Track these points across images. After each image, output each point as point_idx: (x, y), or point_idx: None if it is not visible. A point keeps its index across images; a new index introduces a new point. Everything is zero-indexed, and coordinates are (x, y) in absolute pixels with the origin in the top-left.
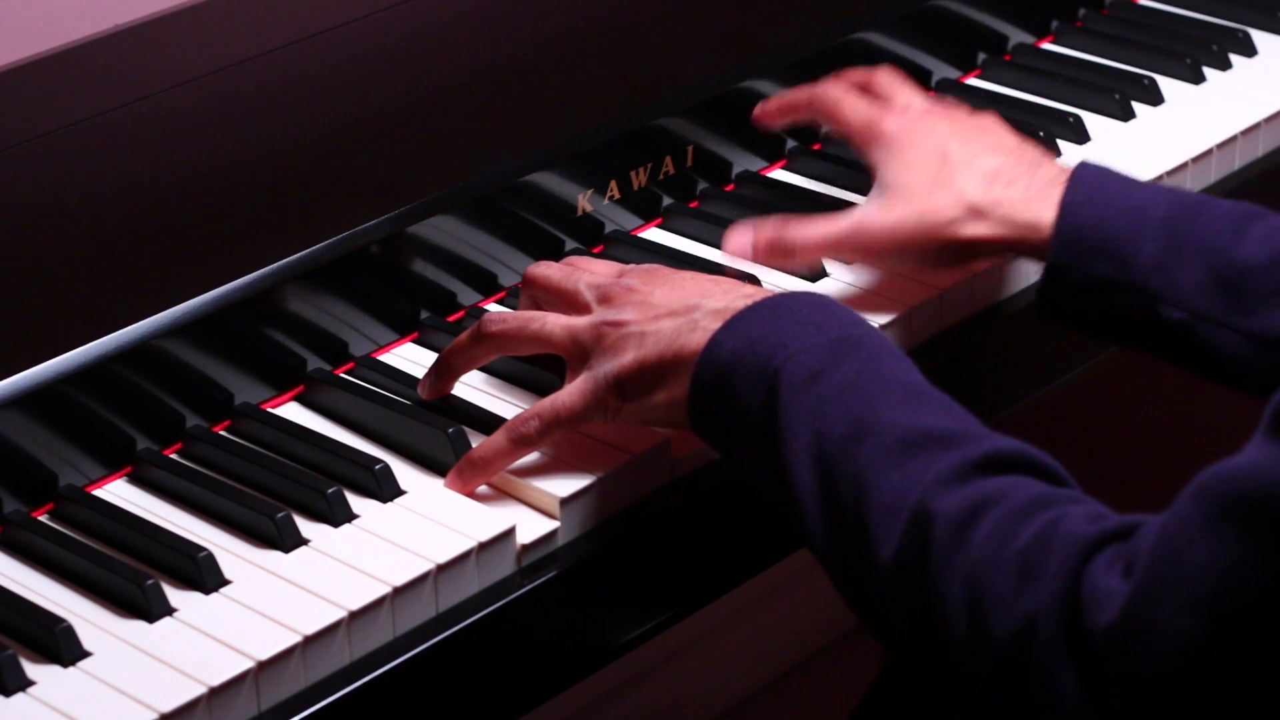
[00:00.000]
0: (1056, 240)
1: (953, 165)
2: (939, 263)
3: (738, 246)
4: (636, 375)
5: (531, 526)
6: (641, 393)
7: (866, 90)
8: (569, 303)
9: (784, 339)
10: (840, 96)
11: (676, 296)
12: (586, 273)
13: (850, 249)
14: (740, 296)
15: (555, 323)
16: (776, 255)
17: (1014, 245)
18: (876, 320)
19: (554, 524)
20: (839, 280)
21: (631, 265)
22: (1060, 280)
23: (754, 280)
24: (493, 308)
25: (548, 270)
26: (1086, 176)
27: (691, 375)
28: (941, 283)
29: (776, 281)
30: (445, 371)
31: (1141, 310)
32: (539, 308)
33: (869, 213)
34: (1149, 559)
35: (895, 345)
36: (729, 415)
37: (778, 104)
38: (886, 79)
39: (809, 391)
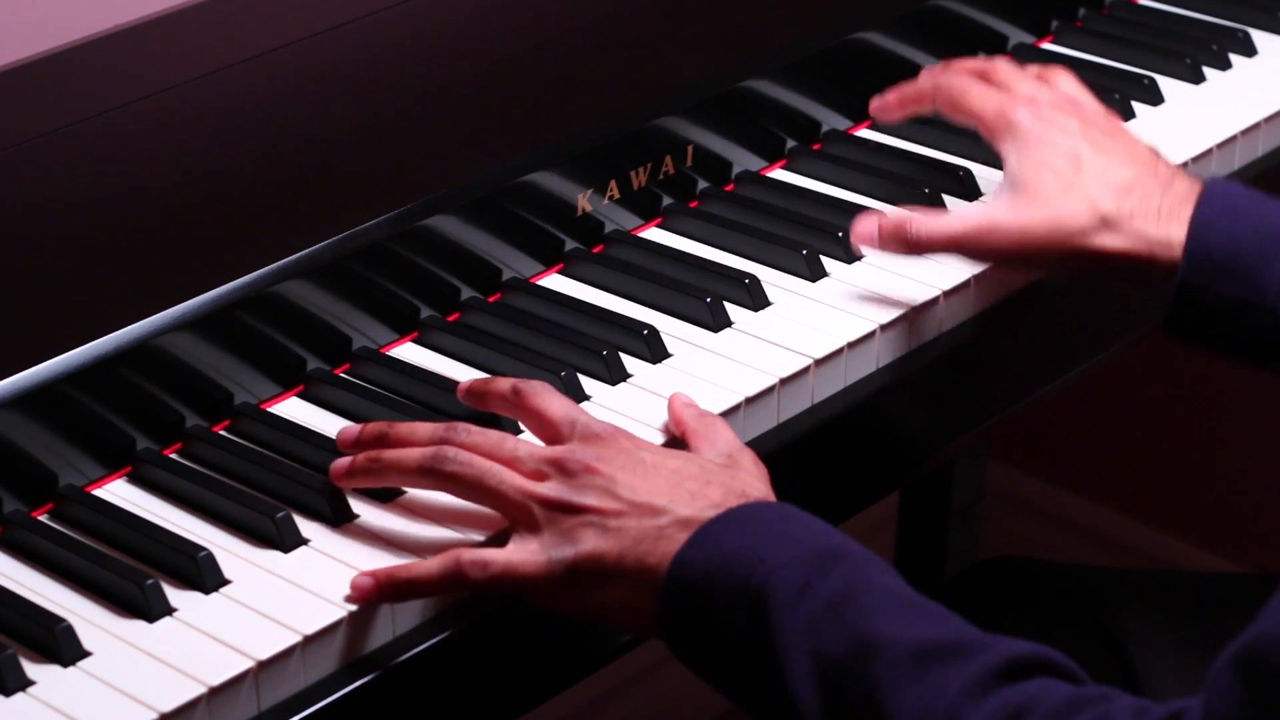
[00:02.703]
0: (1187, 259)
1: (1086, 171)
2: (1064, 270)
3: (864, 233)
4: (592, 567)
5: None
6: (594, 585)
7: (986, 79)
8: (511, 465)
9: (760, 553)
10: (966, 85)
11: (641, 490)
12: (524, 443)
13: (975, 247)
14: (708, 505)
15: (511, 484)
16: (900, 245)
17: (1144, 260)
18: (886, 315)
19: None
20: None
21: (582, 421)
22: (1190, 300)
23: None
24: (490, 308)
25: (476, 438)
26: (1217, 193)
27: (661, 595)
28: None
29: (777, 281)
30: (377, 478)
31: (1271, 332)
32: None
33: (998, 212)
34: None
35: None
36: (711, 639)
37: (898, 97)
38: (1006, 68)
39: (798, 609)
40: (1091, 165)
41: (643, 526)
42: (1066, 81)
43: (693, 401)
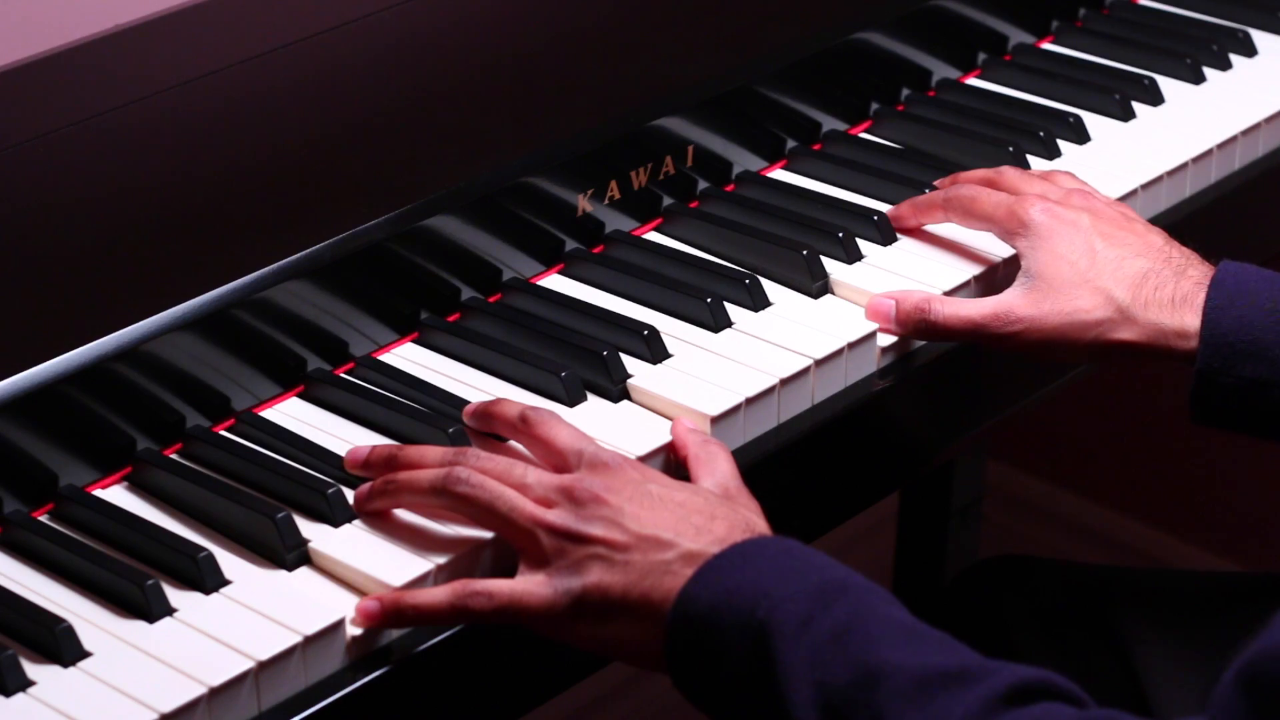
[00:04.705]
0: (1203, 345)
1: (1101, 264)
2: (1080, 359)
3: (880, 312)
4: (597, 600)
5: None
6: (599, 618)
7: (994, 186)
8: (518, 486)
9: (764, 588)
10: (975, 193)
11: (648, 523)
12: (534, 470)
13: (992, 333)
14: (713, 540)
15: (522, 511)
16: (918, 328)
17: (1162, 351)
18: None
19: None
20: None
21: (590, 451)
22: (1211, 384)
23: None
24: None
25: (486, 463)
26: (1228, 277)
27: (666, 631)
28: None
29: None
30: (393, 500)
31: None
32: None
33: (1016, 300)
34: None
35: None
36: (715, 673)
37: (911, 208)
38: (1012, 173)
39: (802, 640)
40: (1105, 258)
41: (649, 561)
42: (1070, 180)
43: (697, 427)
